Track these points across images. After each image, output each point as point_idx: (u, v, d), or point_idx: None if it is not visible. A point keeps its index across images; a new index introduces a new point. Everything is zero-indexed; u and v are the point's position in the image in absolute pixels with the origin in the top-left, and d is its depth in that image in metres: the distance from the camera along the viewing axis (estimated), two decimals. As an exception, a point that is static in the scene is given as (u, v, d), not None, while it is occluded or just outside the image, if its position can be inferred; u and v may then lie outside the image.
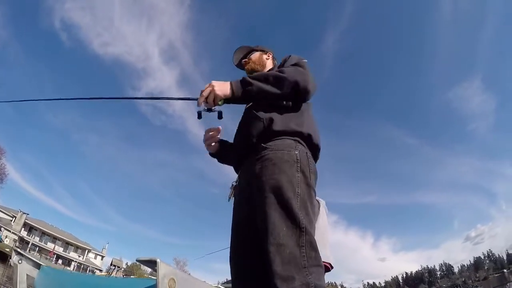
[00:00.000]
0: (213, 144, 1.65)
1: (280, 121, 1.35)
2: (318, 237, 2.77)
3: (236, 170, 1.59)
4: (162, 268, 1.45)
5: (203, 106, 1.38)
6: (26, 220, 38.76)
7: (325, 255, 2.69)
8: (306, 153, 1.32)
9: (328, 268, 2.74)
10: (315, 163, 1.44)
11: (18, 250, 2.59)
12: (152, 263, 1.47)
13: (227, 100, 1.36)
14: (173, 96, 1.65)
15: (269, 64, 1.86)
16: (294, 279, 1.00)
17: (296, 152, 1.27)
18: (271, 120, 1.36)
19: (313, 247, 1.10)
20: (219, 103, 1.34)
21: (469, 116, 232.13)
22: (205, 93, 1.33)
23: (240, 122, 1.61)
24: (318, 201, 2.94)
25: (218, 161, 1.72)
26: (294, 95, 1.40)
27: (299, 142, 1.33)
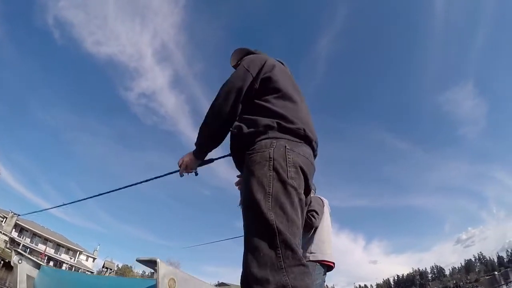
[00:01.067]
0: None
1: (247, 126, 1.36)
2: (324, 236, 2.95)
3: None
4: (162, 268, 1.45)
5: (185, 174, 1.68)
6: (17, 221, 38.17)
7: (331, 255, 2.86)
8: (285, 146, 1.27)
9: (331, 266, 2.88)
10: (311, 139, 1.39)
11: (18, 250, 2.60)
12: (152, 263, 1.48)
13: (199, 164, 1.65)
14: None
15: None
16: (269, 282, 0.99)
17: (270, 151, 1.24)
18: (239, 127, 1.38)
19: (288, 246, 1.06)
20: (196, 170, 1.66)
21: (461, 120, 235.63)
22: (182, 168, 1.61)
23: None
24: (322, 200, 3.12)
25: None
26: (220, 118, 1.46)
27: (276, 138, 1.29)
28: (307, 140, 1.37)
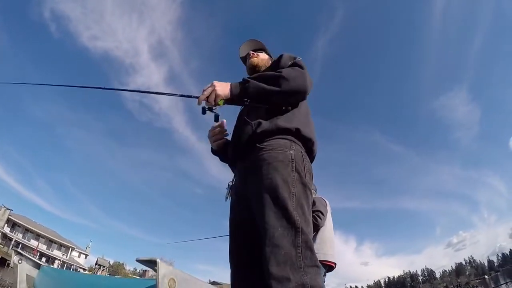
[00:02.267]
0: (218, 141, 1.66)
1: (269, 121, 1.36)
2: (326, 237, 3.00)
3: (232, 169, 1.61)
4: (162, 268, 1.45)
5: (203, 105, 1.41)
6: (9, 216, 37.90)
7: (333, 255, 2.92)
8: (301, 152, 1.32)
9: (332, 267, 2.94)
10: (313, 157, 1.48)
11: (18, 250, 2.60)
12: (152, 263, 1.48)
13: (227, 100, 1.39)
14: (169, 92, 1.59)
15: (266, 63, 1.83)
16: (289, 280, 1.00)
17: (291, 152, 1.28)
18: (259, 122, 1.37)
19: (308, 247, 1.09)
20: (220, 103, 1.37)
21: (454, 125, 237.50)
22: (206, 92, 1.36)
23: (234, 128, 1.64)
24: (325, 200, 3.21)
25: (220, 159, 1.72)
26: (295, 97, 1.43)
27: (293, 142, 1.34)
28: (312, 153, 1.45)
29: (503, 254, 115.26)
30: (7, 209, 37.61)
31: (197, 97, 1.42)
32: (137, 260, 1.55)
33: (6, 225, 37.72)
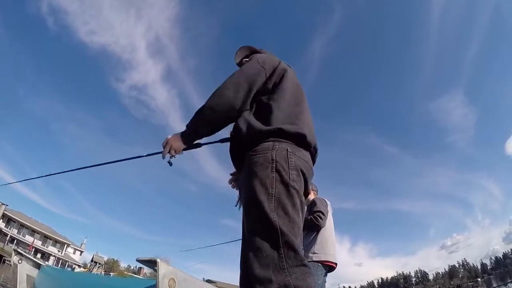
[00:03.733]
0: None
1: (250, 129, 1.34)
2: (327, 237, 3.05)
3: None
4: (162, 268, 1.44)
5: (167, 157, 1.51)
6: (4, 211, 37.74)
7: (334, 256, 2.97)
8: (287, 149, 1.27)
9: (333, 267, 3.00)
10: (312, 149, 1.42)
11: (18, 250, 2.60)
12: (152, 263, 1.47)
13: (185, 149, 1.49)
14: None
15: None
16: (271, 282, 1.00)
17: (272, 153, 1.24)
18: (241, 133, 1.36)
19: (291, 247, 1.07)
20: (181, 152, 1.49)
21: (450, 128, 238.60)
22: (166, 150, 1.46)
23: None
24: (326, 200, 3.28)
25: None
26: (228, 116, 1.40)
27: (277, 141, 1.29)
28: (307, 145, 1.38)
29: (496, 257, 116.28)
30: (2, 204, 37.39)
31: (160, 153, 1.52)
32: (137, 260, 1.55)
33: (1, 220, 37.51)
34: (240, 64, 1.94)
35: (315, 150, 1.45)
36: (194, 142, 1.48)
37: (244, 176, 1.30)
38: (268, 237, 1.09)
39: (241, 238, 1.38)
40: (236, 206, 1.57)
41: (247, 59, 1.82)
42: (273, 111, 1.38)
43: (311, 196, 3.36)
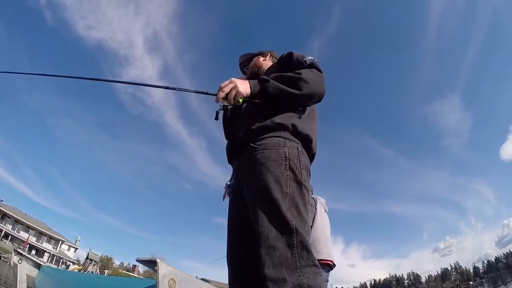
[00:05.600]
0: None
1: (264, 119, 1.34)
2: (319, 235, 3.00)
3: (229, 162, 1.56)
4: (162, 268, 1.40)
5: (220, 103, 1.36)
6: (-1, 207, 37.62)
7: (328, 253, 2.93)
8: (297, 148, 1.29)
9: (331, 265, 2.96)
10: (312, 155, 1.45)
11: (18, 250, 2.56)
12: (152, 263, 1.44)
13: (246, 98, 1.33)
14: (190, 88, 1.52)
15: (267, 64, 1.85)
16: (285, 281, 1.00)
17: (285, 150, 1.25)
18: (256, 119, 1.36)
19: (304, 247, 1.08)
20: (240, 100, 1.31)
21: (445, 132, 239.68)
22: (226, 89, 1.31)
23: (227, 124, 1.67)
24: (314, 199, 3.21)
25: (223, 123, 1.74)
26: (313, 100, 1.43)
27: (288, 139, 1.30)
28: (311, 150, 1.42)
29: (488, 261, 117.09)
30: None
31: (214, 95, 1.36)
32: (137, 260, 1.51)
33: (-3, 217, 37.28)
34: (245, 63, 1.98)
35: (314, 157, 1.47)
36: (261, 95, 1.34)
37: (251, 169, 1.26)
38: (283, 236, 1.08)
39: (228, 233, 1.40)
40: (223, 199, 1.54)
41: (263, 57, 1.90)
42: (288, 111, 1.39)
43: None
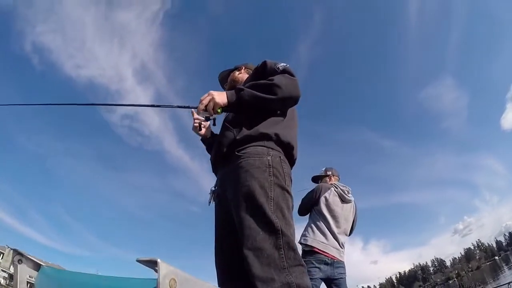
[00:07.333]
0: (202, 130, 1.71)
1: (250, 128, 1.40)
2: (320, 224, 3.00)
3: (214, 171, 1.63)
4: (163, 268, 1.50)
5: (202, 114, 1.45)
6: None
7: (324, 244, 2.85)
8: (280, 157, 1.37)
9: (318, 252, 2.81)
10: (293, 161, 1.52)
11: (18, 250, 2.82)
12: (152, 263, 1.65)
13: (225, 108, 1.42)
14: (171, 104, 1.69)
15: (243, 77, 1.92)
16: (274, 280, 1.05)
17: (268, 158, 1.32)
18: (240, 129, 1.41)
19: (291, 247, 1.14)
20: (218, 110, 1.40)
21: (443, 114, 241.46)
22: (204, 102, 1.40)
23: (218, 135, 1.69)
24: (319, 188, 3.16)
25: (207, 149, 1.77)
26: (288, 104, 1.49)
27: (271, 148, 1.37)
28: (292, 158, 1.50)
29: (510, 233, 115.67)
30: (12, 249, 36.78)
31: (195, 108, 1.48)
32: (137, 261, 1.65)
33: (11, 265, 37.11)
34: (224, 80, 2.09)
35: (294, 163, 1.54)
36: (238, 104, 1.42)
37: (236, 176, 1.31)
38: (269, 237, 1.14)
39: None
40: (209, 204, 1.56)
41: (238, 71, 2.00)
42: (272, 120, 1.46)
43: (332, 181, 3.37)
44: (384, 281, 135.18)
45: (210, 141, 1.73)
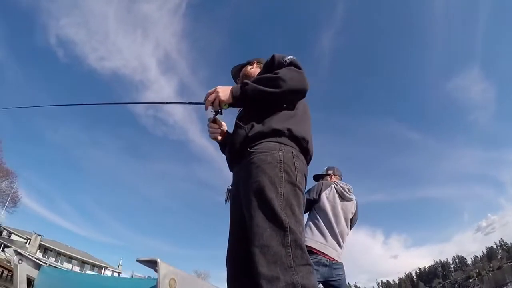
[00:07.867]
0: (218, 137, 1.72)
1: (262, 124, 1.39)
2: (319, 224, 2.93)
3: (230, 170, 1.60)
4: (162, 268, 1.43)
5: (210, 110, 1.52)
6: (41, 242, 38.13)
7: (323, 245, 2.77)
8: (292, 152, 1.33)
9: (316, 253, 2.72)
10: (309, 157, 1.48)
11: (18, 250, 2.53)
12: (152, 263, 1.45)
13: (231, 103, 1.45)
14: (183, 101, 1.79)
15: (255, 71, 1.92)
16: (279, 280, 1.00)
17: (280, 154, 1.28)
18: (252, 125, 1.39)
19: (298, 246, 1.09)
20: (224, 107, 1.46)
21: (470, 106, 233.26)
22: (210, 98, 1.45)
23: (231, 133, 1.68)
24: (320, 185, 3.12)
25: (222, 151, 1.76)
26: (294, 97, 1.47)
27: (283, 143, 1.34)
28: (307, 153, 1.45)
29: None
30: (38, 235, 37.93)
31: (203, 103, 1.51)
32: (137, 261, 1.50)
33: (38, 250, 38.01)
34: (237, 74, 2.08)
35: (311, 158, 1.51)
36: (242, 98, 1.44)
37: (247, 171, 1.29)
38: (277, 234, 1.09)
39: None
40: (226, 203, 1.57)
41: (250, 65, 2.00)
42: (283, 114, 1.43)
43: (333, 180, 3.33)
44: (403, 276, 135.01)
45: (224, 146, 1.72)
